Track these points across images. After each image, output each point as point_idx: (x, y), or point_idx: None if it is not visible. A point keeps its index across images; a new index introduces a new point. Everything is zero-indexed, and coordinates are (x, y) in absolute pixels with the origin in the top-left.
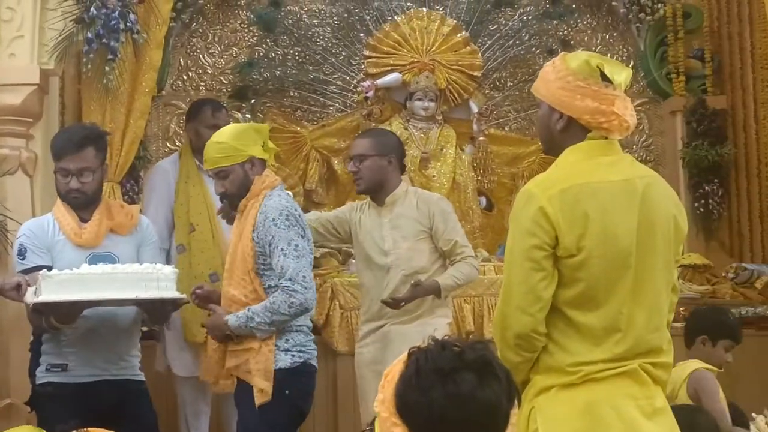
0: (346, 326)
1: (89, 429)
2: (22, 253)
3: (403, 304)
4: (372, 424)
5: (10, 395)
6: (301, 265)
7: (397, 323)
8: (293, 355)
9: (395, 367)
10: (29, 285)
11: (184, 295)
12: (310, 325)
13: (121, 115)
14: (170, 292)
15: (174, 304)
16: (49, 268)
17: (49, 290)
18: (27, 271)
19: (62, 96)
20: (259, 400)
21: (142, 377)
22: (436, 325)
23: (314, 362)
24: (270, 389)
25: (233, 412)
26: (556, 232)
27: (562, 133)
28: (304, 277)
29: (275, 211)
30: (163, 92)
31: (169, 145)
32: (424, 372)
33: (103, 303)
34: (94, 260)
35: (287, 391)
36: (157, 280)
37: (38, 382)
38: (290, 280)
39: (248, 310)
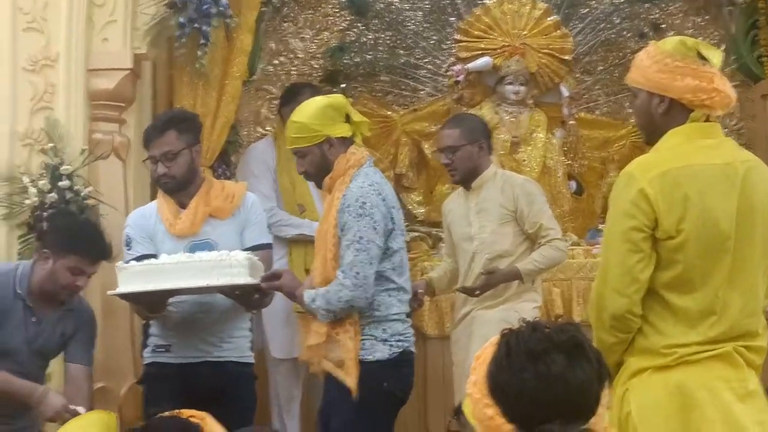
0: (436, 310)
1: (182, 411)
2: (128, 243)
3: (477, 293)
4: (457, 411)
5: (103, 379)
6: (359, 259)
7: (483, 308)
8: (392, 345)
9: (487, 349)
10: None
11: (256, 281)
12: (408, 310)
13: (212, 99)
14: (243, 279)
15: (259, 291)
16: (155, 257)
17: (124, 281)
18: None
19: (154, 81)
20: (354, 393)
21: (248, 359)
22: (519, 309)
23: (413, 348)
24: (355, 384)
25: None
26: (656, 214)
27: (664, 116)
28: (357, 273)
29: (352, 197)
30: (254, 77)
31: (260, 129)
32: (515, 353)
33: (177, 292)
34: (193, 249)
35: (385, 384)
36: (230, 266)
37: (145, 362)
38: (343, 272)
39: (316, 291)
